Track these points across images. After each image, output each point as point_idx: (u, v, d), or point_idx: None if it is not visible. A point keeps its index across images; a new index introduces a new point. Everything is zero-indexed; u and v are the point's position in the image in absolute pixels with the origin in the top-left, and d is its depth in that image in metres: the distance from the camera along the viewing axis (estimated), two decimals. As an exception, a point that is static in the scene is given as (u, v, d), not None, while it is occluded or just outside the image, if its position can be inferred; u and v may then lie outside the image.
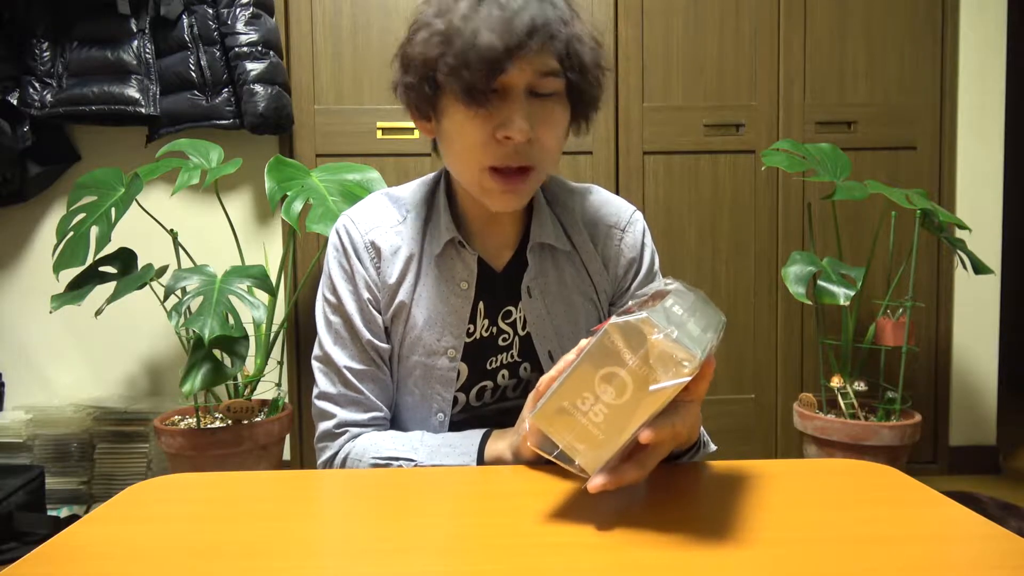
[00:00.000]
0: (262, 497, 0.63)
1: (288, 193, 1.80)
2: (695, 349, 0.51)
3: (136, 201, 1.82)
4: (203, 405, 1.89)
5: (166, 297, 1.74)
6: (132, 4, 2.03)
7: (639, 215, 0.92)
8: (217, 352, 1.70)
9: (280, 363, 2.05)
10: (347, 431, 0.83)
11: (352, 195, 1.86)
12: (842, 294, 1.77)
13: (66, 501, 2.09)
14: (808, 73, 2.27)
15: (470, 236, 0.86)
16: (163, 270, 1.84)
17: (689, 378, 0.51)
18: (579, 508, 0.57)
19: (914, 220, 1.92)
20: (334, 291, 0.85)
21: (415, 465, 0.78)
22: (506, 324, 0.86)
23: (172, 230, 1.90)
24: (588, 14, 2.33)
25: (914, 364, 2.30)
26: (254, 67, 2.03)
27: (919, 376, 2.32)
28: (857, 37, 2.27)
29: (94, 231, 1.77)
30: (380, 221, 0.85)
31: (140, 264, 1.86)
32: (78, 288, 1.79)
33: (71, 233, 1.79)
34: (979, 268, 1.87)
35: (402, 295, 0.84)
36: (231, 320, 1.68)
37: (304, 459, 2.25)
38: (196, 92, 2.07)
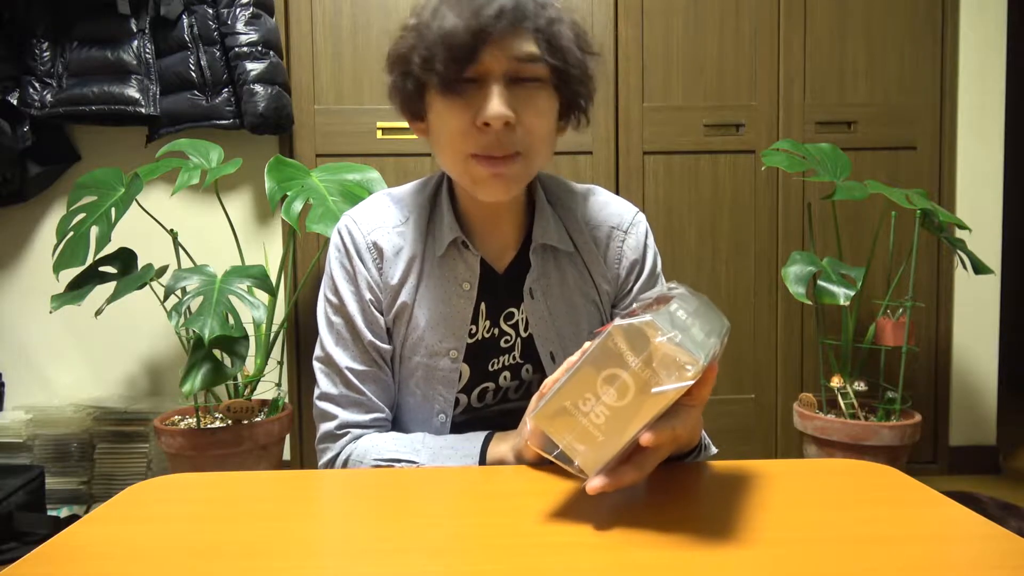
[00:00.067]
0: (262, 497, 0.63)
1: (288, 193, 1.80)
2: (698, 354, 0.51)
3: (136, 201, 1.82)
4: (203, 405, 1.89)
5: (166, 297, 1.74)
6: (132, 4, 2.03)
7: (642, 216, 0.92)
8: (217, 352, 1.70)
9: (280, 363, 2.05)
10: (349, 432, 0.83)
11: (352, 195, 1.86)
12: (842, 294, 1.77)
13: (66, 501, 2.09)
14: (808, 73, 2.27)
15: (472, 237, 0.85)
16: (163, 270, 1.84)
17: (691, 382, 0.51)
18: (579, 508, 0.57)
19: (914, 220, 1.92)
20: (336, 292, 0.84)
21: (417, 467, 0.78)
22: (508, 325, 0.86)
23: (172, 230, 1.90)
24: (588, 14, 2.34)
25: (914, 364, 2.30)
26: (254, 67, 2.03)
27: (919, 376, 2.32)
28: (857, 37, 2.27)
29: (94, 231, 1.77)
30: (382, 221, 0.85)
31: (140, 264, 1.86)
32: (78, 288, 1.79)
33: (71, 233, 1.79)
34: (979, 268, 1.87)
35: (404, 296, 0.84)
36: (231, 320, 1.68)
37: (304, 459, 2.25)
38: (196, 92, 2.07)
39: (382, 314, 0.85)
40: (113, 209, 1.79)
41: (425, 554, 0.49)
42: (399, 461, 0.78)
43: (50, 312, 1.87)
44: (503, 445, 0.75)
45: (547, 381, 0.64)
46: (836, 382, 1.97)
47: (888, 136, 2.29)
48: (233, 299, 1.68)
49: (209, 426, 1.80)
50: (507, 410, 0.90)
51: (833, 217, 2.09)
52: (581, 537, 0.52)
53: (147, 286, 1.80)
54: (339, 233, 0.86)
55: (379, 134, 2.21)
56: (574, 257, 0.88)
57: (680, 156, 2.27)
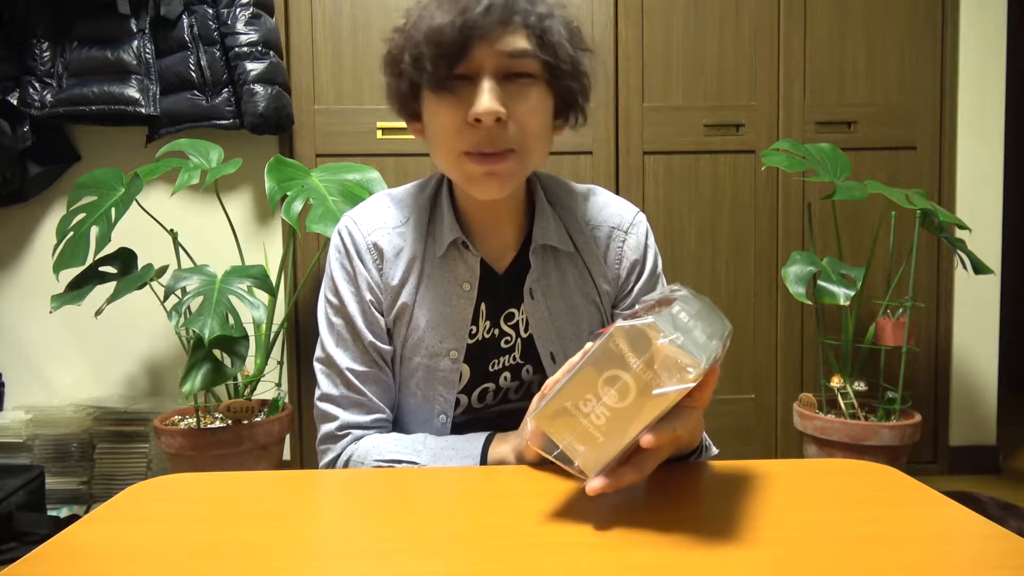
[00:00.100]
0: (262, 497, 0.63)
1: (288, 193, 1.80)
2: (700, 356, 0.51)
3: (136, 201, 1.82)
4: (203, 405, 1.89)
5: (166, 297, 1.74)
6: (132, 4, 2.03)
7: (642, 217, 0.91)
8: (217, 352, 1.70)
9: (280, 363, 2.05)
10: (349, 433, 0.83)
11: (352, 195, 1.86)
12: (842, 294, 1.77)
13: (66, 501, 2.09)
14: (808, 73, 2.27)
15: (472, 237, 0.85)
16: (163, 270, 1.84)
17: (693, 384, 0.51)
18: (579, 508, 0.57)
19: (914, 220, 1.92)
20: (336, 292, 0.84)
21: (418, 467, 0.77)
22: (508, 326, 0.86)
23: (172, 230, 1.90)
24: (588, 14, 2.34)
25: (914, 364, 2.30)
26: (254, 67, 2.03)
27: (919, 376, 2.33)
28: (857, 37, 2.27)
29: (94, 231, 1.77)
30: (383, 222, 0.85)
31: (140, 264, 1.86)
32: (78, 288, 1.79)
33: (71, 233, 1.79)
34: (979, 268, 1.87)
35: (404, 296, 0.84)
36: (231, 320, 1.68)
37: (304, 459, 2.25)
38: (196, 92, 2.07)
39: (382, 315, 0.85)
40: (113, 209, 1.79)
41: (425, 554, 0.49)
42: (400, 462, 0.78)
43: (50, 312, 1.87)
44: (504, 446, 0.75)
45: (548, 382, 0.64)
46: (836, 382, 1.97)
47: (888, 136, 2.29)
48: (233, 299, 1.68)
49: (209, 426, 1.80)
50: (507, 411, 0.90)
51: (833, 217, 2.09)
52: (581, 537, 0.52)
53: (147, 286, 1.80)
54: (339, 234, 0.86)
55: (379, 134, 2.21)
56: (574, 257, 0.88)
57: (680, 156, 2.27)
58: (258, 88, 2.03)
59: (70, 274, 1.80)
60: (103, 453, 2.10)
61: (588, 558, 0.49)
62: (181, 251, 1.90)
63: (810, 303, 1.85)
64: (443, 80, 0.73)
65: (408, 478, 0.68)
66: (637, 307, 0.62)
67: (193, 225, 2.17)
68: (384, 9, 2.19)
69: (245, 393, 1.90)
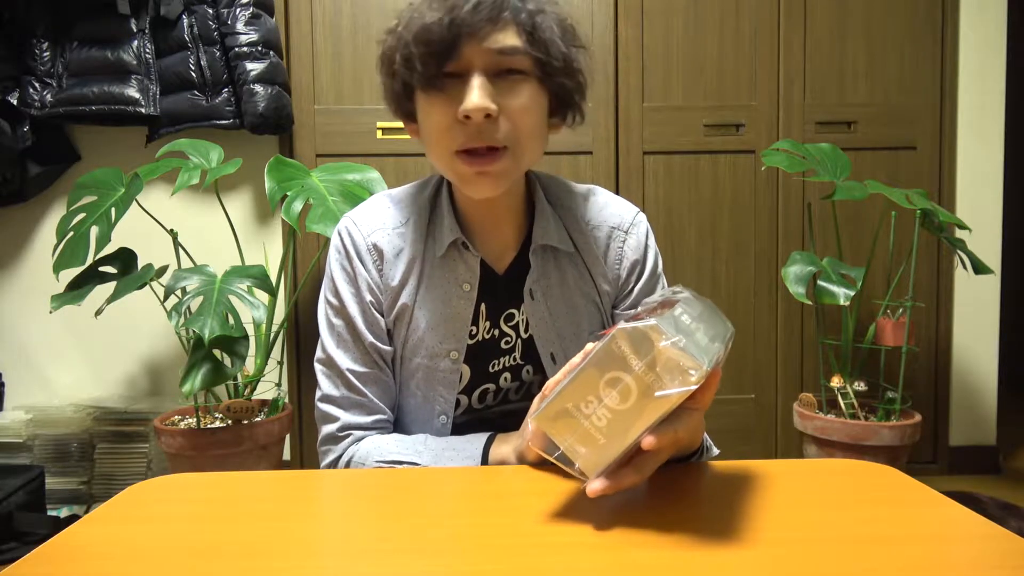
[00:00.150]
0: (262, 497, 0.63)
1: (288, 193, 1.80)
2: (702, 358, 0.51)
3: (136, 201, 1.82)
4: (203, 405, 1.89)
5: (166, 297, 1.74)
6: (132, 4, 2.03)
7: (642, 217, 0.91)
8: (217, 352, 1.70)
9: (280, 363, 2.05)
10: (351, 434, 0.83)
11: (352, 195, 1.86)
12: (842, 294, 1.77)
13: (66, 501, 2.09)
14: (808, 73, 2.27)
15: (472, 238, 0.85)
16: (163, 270, 1.84)
17: (695, 387, 0.51)
18: (579, 508, 0.57)
19: (914, 220, 1.92)
20: (336, 293, 0.84)
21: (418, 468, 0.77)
22: (508, 326, 0.86)
23: (172, 230, 1.90)
24: (588, 14, 2.33)
25: (914, 364, 2.30)
26: (254, 67, 2.03)
27: (919, 376, 2.33)
28: (857, 37, 2.27)
29: (94, 231, 1.77)
30: (382, 223, 0.85)
31: (140, 264, 1.86)
32: (78, 288, 1.79)
33: (71, 233, 1.79)
34: (979, 268, 1.87)
35: (404, 297, 0.84)
36: (231, 320, 1.68)
37: (304, 459, 2.25)
38: (196, 92, 2.07)
39: (383, 316, 0.85)
40: (113, 209, 1.79)
41: (425, 554, 0.49)
42: (401, 463, 0.78)
43: (50, 312, 1.87)
44: (505, 446, 0.75)
45: (549, 383, 0.63)
46: (836, 382, 1.97)
47: (888, 136, 2.29)
48: (233, 299, 1.68)
49: (209, 426, 1.80)
50: (508, 411, 0.90)
51: (833, 217, 2.09)
52: (581, 537, 0.52)
53: (147, 286, 1.80)
54: (339, 235, 0.86)
55: (379, 134, 2.21)
56: (574, 257, 0.87)
57: (680, 156, 2.27)
58: (258, 88, 2.03)
59: (70, 274, 1.80)
60: (103, 453, 2.10)
61: (588, 558, 0.49)
62: (181, 251, 1.90)
63: (810, 303, 1.85)
64: (433, 79, 0.73)
65: (408, 478, 0.68)
66: (639, 309, 0.62)
67: (193, 225, 2.17)
68: (384, 9, 2.19)
69: (245, 393, 1.90)
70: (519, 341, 0.87)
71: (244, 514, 0.58)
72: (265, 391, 2.04)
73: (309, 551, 0.50)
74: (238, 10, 2.04)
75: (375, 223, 0.85)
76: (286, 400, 2.01)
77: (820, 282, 1.82)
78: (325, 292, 0.86)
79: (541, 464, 0.69)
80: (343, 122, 2.21)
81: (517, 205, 0.86)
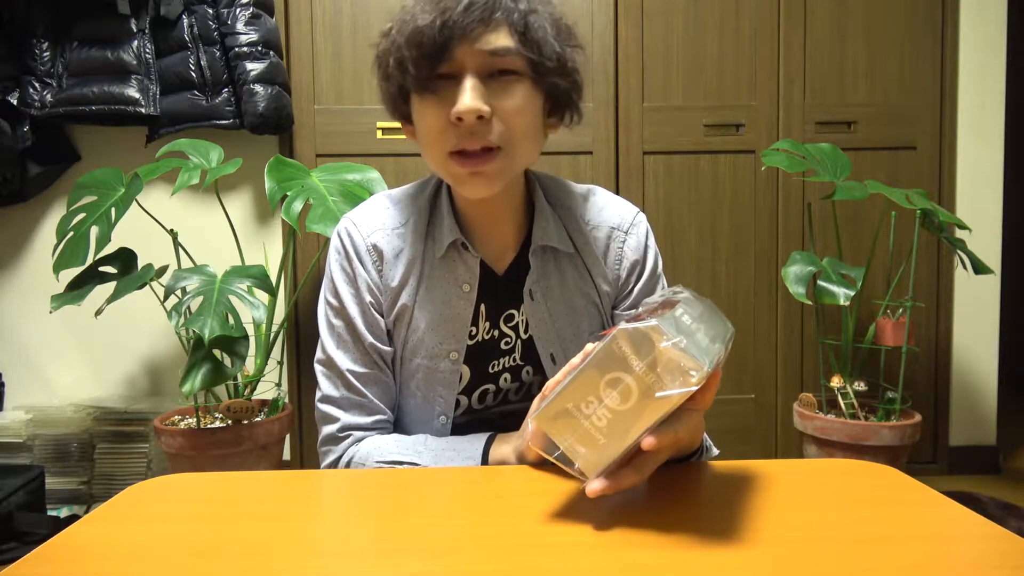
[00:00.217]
0: (262, 497, 0.63)
1: (288, 193, 1.80)
2: (703, 359, 0.51)
3: (136, 201, 1.82)
4: (203, 405, 1.89)
5: (166, 297, 1.74)
6: (132, 4, 2.03)
7: (642, 217, 0.91)
8: (217, 352, 1.70)
9: (280, 363, 2.05)
10: (351, 435, 0.83)
11: (352, 195, 1.86)
12: (842, 294, 1.77)
13: (66, 501, 2.09)
14: (808, 73, 2.27)
15: (472, 238, 0.85)
16: (163, 270, 1.84)
17: (696, 388, 0.51)
18: (579, 508, 0.57)
19: (914, 220, 1.92)
20: (336, 294, 0.84)
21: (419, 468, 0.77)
22: (508, 327, 0.86)
23: (172, 230, 1.90)
24: (588, 14, 2.33)
25: (914, 364, 2.30)
26: (254, 67, 2.03)
27: (919, 376, 2.32)
28: (857, 37, 2.27)
29: (94, 231, 1.77)
30: (382, 224, 0.85)
31: (140, 264, 1.86)
32: (78, 288, 1.79)
33: (71, 233, 1.79)
34: (979, 268, 1.87)
35: (404, 298, 0.84)
36: (231, 320, 1.68)
37: (304, 459, 2.25)
38: (196, 92, 2.07)
39: (382, 316, 0.85)
40: (113, 209, 1.79)
41: (425, 554, 0.49)
42: (401, 463, 0.78)
43: (50, 312, 1.87)
44: (505, 447, 0.75)
45: (549, 383, 0.63)
46: (836, 382, 1.97)
47: (888, 136, 2.29)
48: (233, 299, 1.68)
49: (209, 426, 1.80)
50: (508, 412, 0.90)
51: (833, 217, 2.09)
52: (581, 537, 0.52)
53: (147, 286, 1.80)
54: (339, 235, 0.86)
55: (379, 134, 2.21)
56: (574, 258, 0.87)
57: (680, 156, 2.27)
58: (258, 88, 2.03)
59: (70, 274, 1.80)
60: (103, 453, 2.10)
61: (588, 558, 0.49)
62: (181, 251, 1.90)
63: (810, 303, 1.85)
64: (426, 81, 0.73)
65: (408, 478, 0.68)
66: (640, 309, 0.62)
67: (193, 225, 2.17)
68: (384, 9, 2.19)
69: (245, 393, 1.90)
70: (519, 342, 0.87)
71: (244, 514, 0.58)
72: (265, 391, 2.04)
73: (309, 551, 0.50)
74: (238, 10, 2.04)
75: (375, 224, 0.85)
76: (286, 400, 2.01)
77: (820, 282, 1.82)
78: (325, 293, 0.86)
79: (541, 464, 0.69)
80: (343, 122, 2.21)
81: (517, 205, 0.86)
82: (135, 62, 2.05)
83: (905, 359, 1.94)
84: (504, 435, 0.78)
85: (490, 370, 0.87)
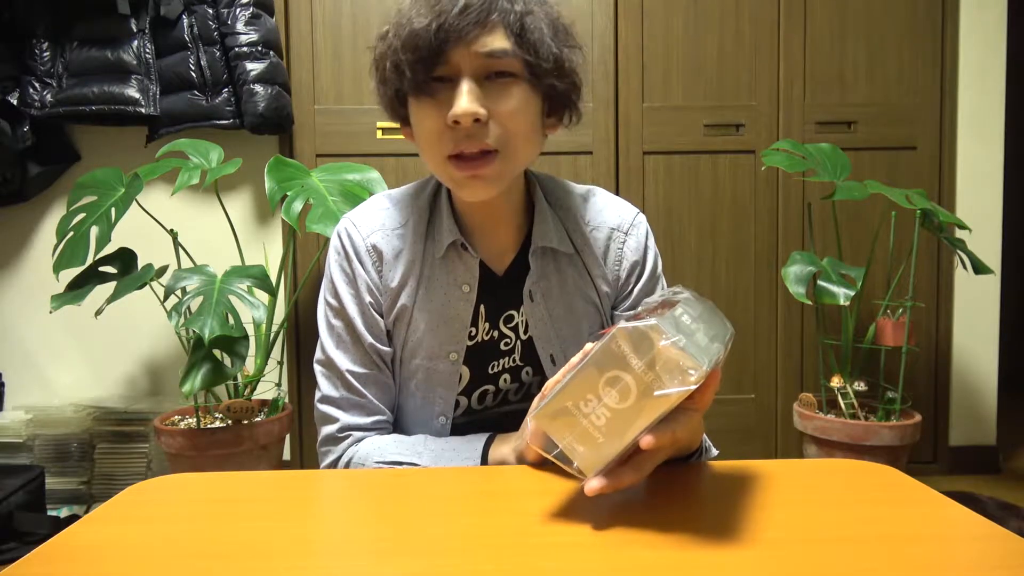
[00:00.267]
0: (262, 497, 0.63)
1: (288, 193, 1.80)
2: (702, 359, 0.51)
3: (136, 201, 1.82)
4: (203, 405, 1.89)
5: (166, 297, 1.74)
6: (132, 4, 2.03)
7: (642, 217, 0.91)
8: (217, 352, 1.70)
9: (280, 363, 2.05)
10: (350, 435, 0.83)
11: (352, 195, 1.86)
12: (842, 294, 1.77)
13: (66, 501, 2.09)
14: (808, 73, 2.27)
15: (471, 239, 0.85)
16: (163, 270, 1.84)
17: (694, 387, 0.51)
18: (579, 508, 0.57)
19: (914, 220, 1.92)
20: (336, 295, 0.84)
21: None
22: (508, 328, 0.86)
23: (172, 230, 1.90)
24: (588, 14, 2.33)
25: (914, 364, 2.30)
26: (254, 67, 2.03)
27: (919, 376, 2.32)
28: (857, 37, 2.27)
29: (94, 231, 1.77)
30: (382, 224, 0.85)
31: (140, 264, 1.86)
32: (78, 288, 1.79)
33: (71, 233, 1.79)
34: (979, 268, 1.87)
35: (404, 298, 0.84)
36: (231, 320, 1.68)
37: (304, 459, 2.25)
38: (196, 92, 2.07)
39: (382, 317, 0.84)
40: (113, 209, 1.79)
41: (425, 554, 0.49)
42: (401, 463, 0.78)
43: (50, 312, 1.87)
44: (504, 447, 0.75)
45: (549, 383, 0.63)
46: (836, 382, 1.97)
47: (888, 136, 2.29)
48: (233, 299, 1.68)
49: (209, 426, 1.80)
50: (507, 412, 0.90)
51: (833, 217, 2.09)
52: (581, 537, 0.52)
53: (147, 286, 1.80)
54: (338, 236, 0.86)
55: (379, 134, 2.21)
56: (574, 259, 0.87)
57: (680, 156, 2.27)
58: (258, 88, 2.03)
59: (70, 274, 1.80)
60: (103, 453, 2.10)
61: (588, 558, 0.49)
62: (181, 251, 1.90)
63: (810, 303, 1.85)
64: (422, 85, 0.73)
65: (408, 478, 0.68)
66: (640, 309, 0.62)
67: (193, 225, 2.17)
68: (384, 9, 2.19)
69: (245, 393, 1.90)
70: (519, 342, 0.87)
71: (244, 514, 0.58)
72: (265, 391, 2.04)
73: (309, 551, 0.50)
74: (238, 10, 2.04)
75: (374, 224, 0.85)
76: (286, 400, 2.01)
77: (820, 282, 1.82)
78: (324, 293, 0.86)
79: (541, 464, 0.69)
80: (343, 122, 2.21)
81: (516, 206, 0.86)
82: (135, 62, 2.06)
83: (905, 359, 1.94)
84: (503, 435, 0.78)
85: (490, 371, 0.87)
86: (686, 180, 2.28)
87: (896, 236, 2.07)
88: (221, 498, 0.63)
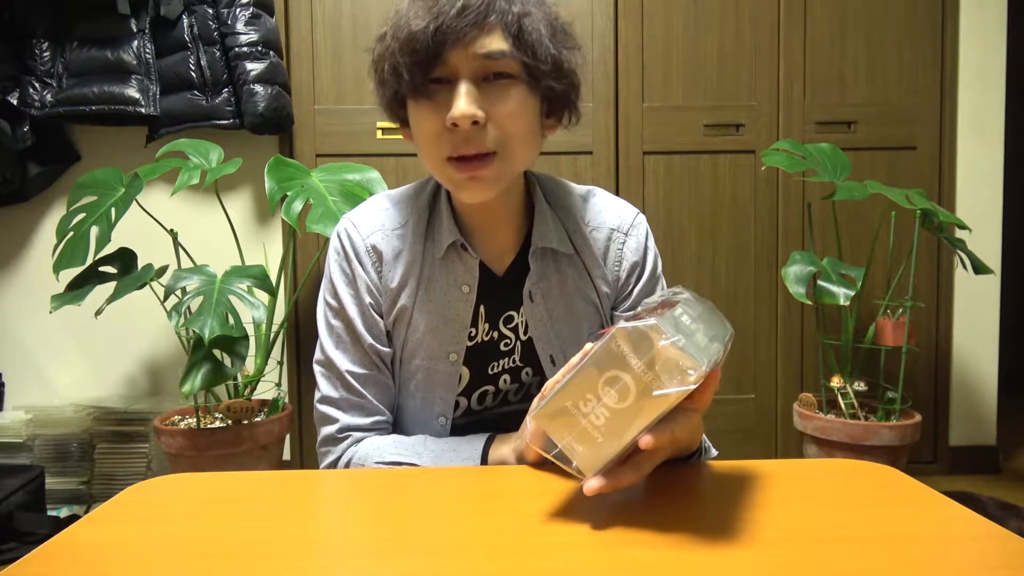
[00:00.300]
0: (262, 497, 0.63)
1: (288, 193, 1.80)
2: (701, 359, 0.51)
3: (136, 201, 1.82)
4: (203, 405, 1.89)
5: (166, 297, 1.74)
6: (132, 4, 2.03)
7: (642, 218, 0.91)
8: (217, 352, 1.70)
9: (280, 363, 2.05)
10: (350, 435, 0.83)
11: (352, 195, 1.86)
12: (842, 294, 1.77)
13: (66, 501, 2.09)
14: (808, 73, 2.27)
15: (471, 239, 0.85)
16: (163, 270, 1.84)
17: (693, 387, 0.51)
18: (579, 508, 0.57)
19: (914, 220, 1.92)
20: (335, 295, 0.84)
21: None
22: (508, 328, 0.86)
23: (172, 230, 1.90)
24: (588, 14, 2.33)
25: (914, 364, 2.30)
26: (254, 67, 2.03)
27: (919, 376, 2.32)
28: (857, 37, 2.27)
29: (94, 231, 1.77)
30: (381, 224, 0.85)
31: (140, 264, 1.86)
32: (78, 288, 1.79)
33: (71, 233, 1.79)
34: (979, 268, 1.87)
35: (404, 299, 0.84)
36: (231, 320, 1.68)
37: (304, 459, 2.25)
38: (196, 92, 2.07)
39: (382, 317, 0.84)
40: (113, 209, 1.79)
41: (425, 554, 0.49)
42: (400, 464, 0.78)
43: (50, 312, 1.87)
44: (504, 447, 0.75)
45: (548, 383, 0.63)
46: (836, 382, 1.97)
47: (888, 136, 2.29)
48: (233, 299, 1.68)
49: (209, 426, 1.80)
50: (507, 413, 0.90)
51: (833, 217, 2.09)
52: (581, 537, 0.52)
53: (147, 286, 1.80)
54: (338, 236, 0.86)
55: (379, 134, 2.21)
56: (574, 259, 0.87)
57: (680, 156, 2.27)
58: (258, 88, 2.03)
59: (70, 274, 1.80)
60: (103, 453, 2.10)
61: (588, 558, 0.49)
62: (181, 251, 1.90)
63: (810, 303, 1.85)
64: (420, 86, 0.73)
65: (408, 478, 0.68)
66: (639, 309, 0.62)
67: (193, 225, 2.17)
68: (384, 9, 2.18)
69: (245, 393, 1.90)
70: (518, 343, 0.87)
71: (244, 514, 0.58)
72: (265, 391, 2.04)
73: (309, 551, 0.50)
74: (238, 10, 2.04)
75: (374, 224, 0.85)
76: (286, 400, 2.01)
77: (820, 282, 1.82)
78: (324, 294, 0.86)
79: (541, 464, 0.69)
80: (343, 122, 2.21)
81: (516, 207, 0.86)
82: (135, 62, 2.06)
83: (905, 359, 1.94)
84: (503, 436, 0.78)
85: (489, 371, 0.87)
86: (686, 180, 2.28)
87: (896, 236, 2.07)
88: (221, 498, 0.63)
